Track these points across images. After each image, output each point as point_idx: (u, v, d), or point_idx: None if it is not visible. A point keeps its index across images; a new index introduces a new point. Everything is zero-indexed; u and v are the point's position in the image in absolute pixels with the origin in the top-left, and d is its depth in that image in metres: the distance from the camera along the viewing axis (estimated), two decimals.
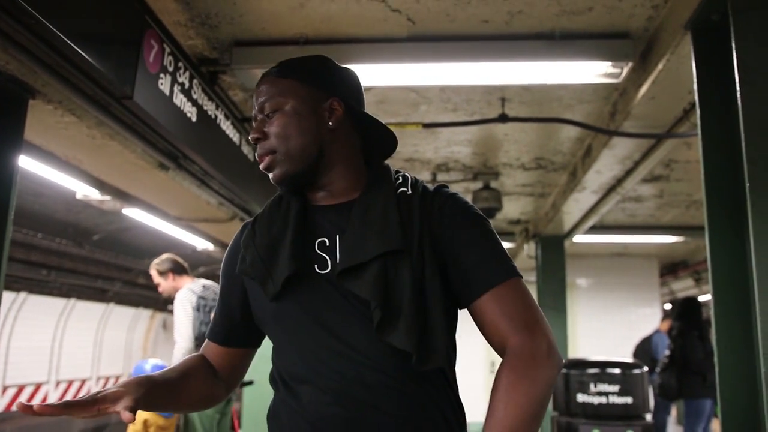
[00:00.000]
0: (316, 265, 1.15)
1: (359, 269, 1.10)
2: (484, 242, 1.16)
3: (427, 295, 1.11)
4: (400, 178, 1.23)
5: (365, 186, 1.20)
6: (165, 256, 4.74)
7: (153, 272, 4.73)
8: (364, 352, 1.09)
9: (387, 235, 1.11)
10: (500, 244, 1.19)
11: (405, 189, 1.20)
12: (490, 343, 1.15)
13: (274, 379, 1.20)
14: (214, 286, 4.77)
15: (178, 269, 4.69)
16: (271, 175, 1.21)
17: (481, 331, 1.15)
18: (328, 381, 1.09)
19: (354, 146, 1.26)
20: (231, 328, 1.30)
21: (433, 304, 1.11)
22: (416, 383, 1.10)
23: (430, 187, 1.23)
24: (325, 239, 1.17)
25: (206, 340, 1.34)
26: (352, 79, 1.30)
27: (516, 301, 1.12)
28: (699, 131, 2.36)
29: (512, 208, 6.77)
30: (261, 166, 1.21)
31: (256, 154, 1.22)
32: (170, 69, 2.80)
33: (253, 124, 1.22)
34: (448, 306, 1.15)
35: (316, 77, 1.22)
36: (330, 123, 1.21)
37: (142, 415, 4.37)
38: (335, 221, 1.18)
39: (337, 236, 1.16)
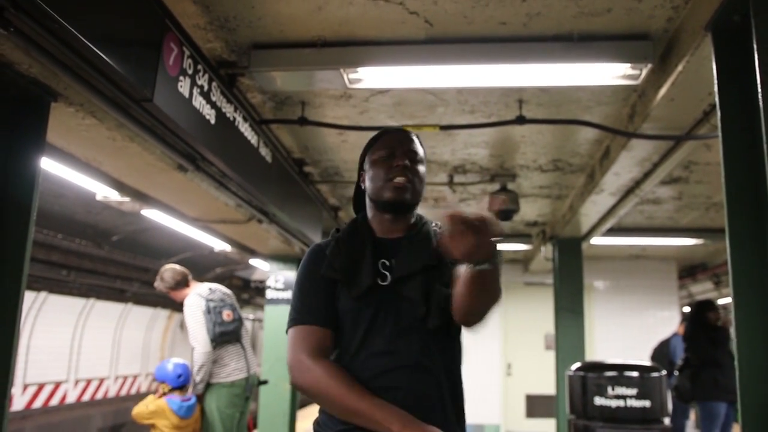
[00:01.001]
0: (379, 279, 1.68)
1: (408, 279, 1.66)
2: None
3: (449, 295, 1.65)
4: (433, 223, 1.82)
5: (413, 226, 1.78)
6: (167, 273, 4.77)
7: (162, 289, 4.78)
8: (414, 333, 1.63)
9: (427, 254, 1.68)
10: None
11: (437, 228, 1.78)
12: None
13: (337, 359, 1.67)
14: (220, 288, 4.81)
15: (183, 281, 4.74)
16: (400, 197, 1.71)
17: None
18: (394, 354, 1.62)
19: None
20: (327, 313, 1.67)
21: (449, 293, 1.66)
22: (446, 363, 1.68)
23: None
24: (386, 261, 1.70)
25: (304, 326, 1.65)
26: None
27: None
28: (719, 133, 2.34)
29: (529, 210, 6.74)
30: (397, 183, 1.70)
31: (398, 179, 1.71)
32: (189, 72, 2.82)
33: (394, 157, 1.74)
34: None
35: (425, 155, 1.85)
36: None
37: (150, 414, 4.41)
38: (392, 249, 1.72)
39: (393, 260, 1.70)
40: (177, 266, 4.87)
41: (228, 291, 4.86)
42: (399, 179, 1.70)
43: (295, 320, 1.68)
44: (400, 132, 1.82)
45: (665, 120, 3.42)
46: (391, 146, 1.75)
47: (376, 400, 1.51)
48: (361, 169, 1.85)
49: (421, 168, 1.77)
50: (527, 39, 3.04)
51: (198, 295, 4.59)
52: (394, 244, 1.73)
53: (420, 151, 1.79)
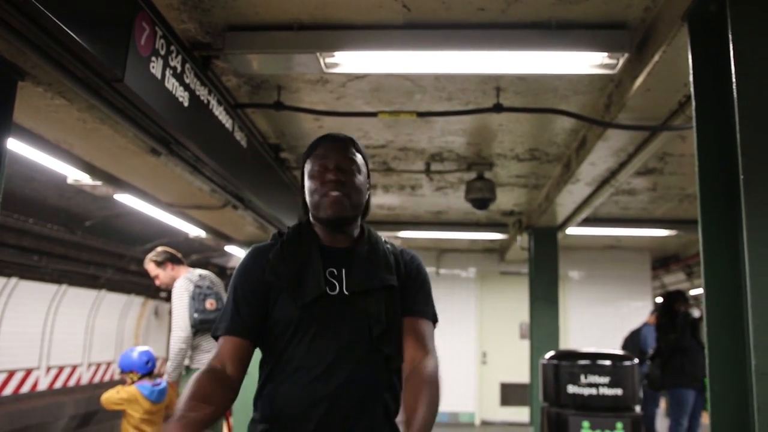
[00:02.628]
0: (327, 288, 1.62)
1: (367, 294, 1.63)
2: (427, 291, 1.76)
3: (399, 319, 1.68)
4: (382, 238, 1.79)
5: (359, 237, 1.74)
6: (160, 248, 4.80)
7: (150, 265, 4.75)
8: (360, 352, 1.59)
9: (388, 273, 1.68)
10: (431, 294, 1.77)
11: (389, 247, 1.77)
12: (405, 348, 1.65)
13: (273, 369, 1.62)
14: (211, 276, 4.77)
15: (175, 259, 4.72)
16: (336, 214, 1.65)
17: (404, 337, 1.67)
18: (334, 371, 1.56)
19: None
20: (250, 324, 1.62)
21: (400, 326, 1.67)
22: (389, 373, 1.65)
23: (393, 245, 1.81)
24: (334, 270, 1.65)
25: (221, 337, 1.61)
26: None
27: (429, 334, 1.69)
28: (694, 124, 2.35)
29: (506, 199, 6.76)
30: (332, 199, 1.64)
31: (330, 191, 1.64)
32: (162, 52, 2.77)
33: (326, 168, 1.67)
34: None
35: (367, 161, 1.80)
36: (367, 195, 1.76)
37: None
38: (341, 259, 1.67)
39: (343, 269, 1.65)
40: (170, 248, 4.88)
41: (217, 280, 4.82)
42: (333, 195, 1.64)
43: (224, 329, 1.62)
44: (336, 141, 1.74)
45: (641, 110, 3.44)
46: (325, 158, 1.69)
47: (181, 416, 1.37)
48: (302, 179, 1.77)
49: (358, 178, 1.69)
50: (505, 26, 3.03)
51: (188, 279, 4.56)
52: (342, 254, 1.69)
53: (358, 158, 1.72)
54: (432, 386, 1.53)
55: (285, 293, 1.61)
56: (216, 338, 1.63)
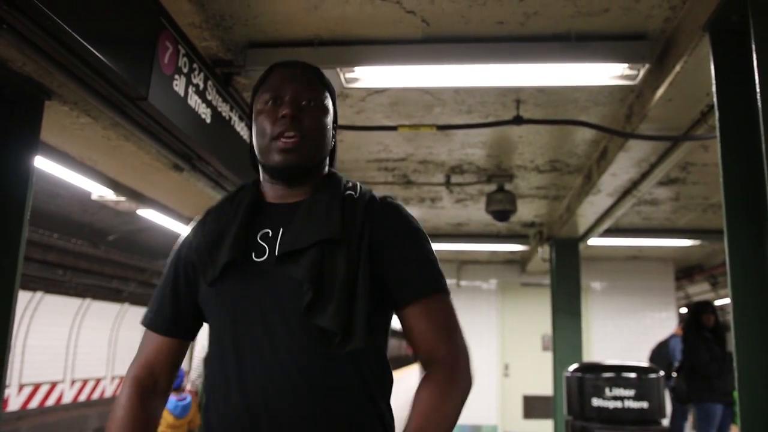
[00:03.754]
0: (253, 254, 1.24)
1: (298, 255, 1.20)
2: (419, 252, 1.29)
3: (357, 285, 1.19)
4: (350, 183, 1.36)
5: (314, 188, 1.32)
6: None
7: None
8: (293, 332, 1.18)
9: (326, 226, 1.22)
10: (435, 257, 1.30)
11: (353, 193, 1.32)
12: (414, 350, 1.26)
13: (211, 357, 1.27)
14: None
15: None
16: (287, 157, 1.26)
17: (406, 336, 1.27)
18: (260, 359, 1.18)
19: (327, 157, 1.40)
20: (176, 316, 1.32)
21: (361, 294, 1.19)
22: (338, 362, 1.18)
23: (363, 190, 1.36)
24: (269, 230, 1.26)
25: (149, 332, 1.34)
26: None
27: (442, 316, 1.26)
28: (718, 134, 2.33)
29: (526, 211, 6.73)
30: (283, 143, 1.26)
31: (277, 129, 1.27)
32: (185, 70, 2.81)
33: (279, 102, 1.29)
34: (382, 299, 1.25)
35: (334, 97, 1.40)
36: (333, 139, 1.39)
37: None
38: (283, 216, 1.28)
39: (281, 228, 1.25)
40: None
41: None
42: (286, 136, 1.26)
43: (144, 319, 1.35)
44: (293, 67, 1.35)
45: (663, 120, 3.41)
46: (278, 89, 1.30)
47: None
48: (250, 119, 1.38)
49: (321, 117, 1.31)
50: (525, 39, 3.03)
51: None
52: (285, 211, 1.29)
53: (321, 91, 1.34)
54: (449, 385, 1.19)
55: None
56: (143, 325, 1.36)
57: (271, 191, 1.33)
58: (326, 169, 1.38)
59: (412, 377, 10.10)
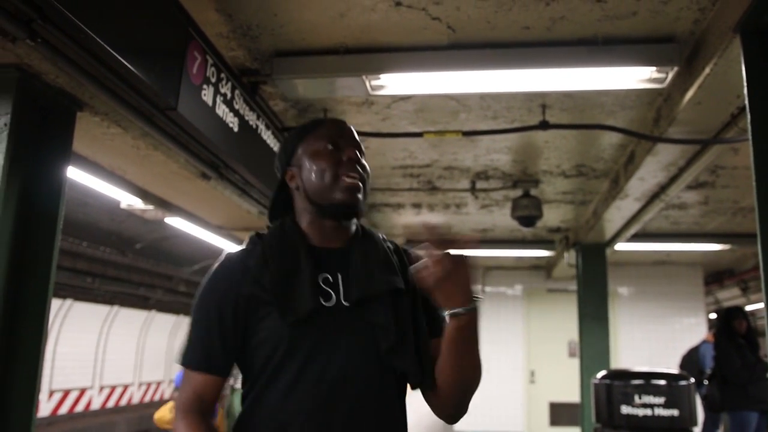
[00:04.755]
0: (321, 299, 1.33)
1: (371, 301, 1.33)
2: None
3: (419, 328, 1.37)
4: (381, 235, 1.50)
5: (355, 236, 1.45)
6: None
7: None
8: (369, 373, 1.32)
9: (393, 274, 1.38)
10: None
11: (389, 245, 1.47)
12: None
13: (259, 397, 1.32)
14: None
15: None
16: (353, 195, 1.38)
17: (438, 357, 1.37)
18: (336, 399, 1.29)
19: None
20: (228, 356, 1.35)
21: (423, 335, 1.38)
22: (399, 397, 1.38)
23: (395, 243, 1.52)
24: (329, 276, 1.36)
25: (197, 373, 1.33)
26: None
27: None
28: (750, 136, 2.29)
29: (552, 216, 6.69)
30: (351, 182, 1.38)
31: (350, 176, 1.39)
32: (213, 80, 2.84)
33: (341, 149, 1.42)
34: None
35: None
36: None
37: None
38: (337, 262, 1.39)
39: (339, 275, 1.37)
40: None
41: None
42: (352, 178, 1.38)
43: (190, 361, 1.34)
44: (341, 122, 1.50)
45: (692, 124, 3.37)
46: (334, 136, 1.43)
47: None
48: (287, 164, 1.47)
49: (365, 162, 1.46)
50: (551, 43, 3.01)
51: None
52: (336, 257, 1.39)
53: (360, 142, 1.48)
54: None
55: (271, 308, 1.31)
56: (184, 366, 1.35)
57: (317, 234, 1.42)
58: None
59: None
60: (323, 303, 1.32)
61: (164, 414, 4.49)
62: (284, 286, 1.31)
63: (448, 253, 1.20)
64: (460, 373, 1.31)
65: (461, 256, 1.21)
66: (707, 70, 2.76)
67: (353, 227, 1.45)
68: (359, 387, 1.30)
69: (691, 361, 7.21)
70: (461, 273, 1.22)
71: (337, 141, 1.42)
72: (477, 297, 1.25)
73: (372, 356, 1.31)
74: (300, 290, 1.30)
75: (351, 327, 1.32)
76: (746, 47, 2.36)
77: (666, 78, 3.11)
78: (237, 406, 4.85)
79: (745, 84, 2.34)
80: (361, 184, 1.39)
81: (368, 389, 1.30)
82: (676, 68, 3.00)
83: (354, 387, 1.29)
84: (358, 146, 1.44)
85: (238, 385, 4.79)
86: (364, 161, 1.44)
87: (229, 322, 1.32)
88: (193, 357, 1.34)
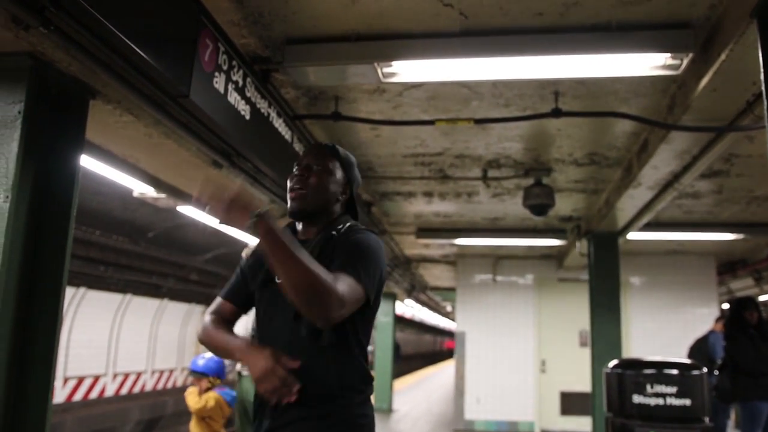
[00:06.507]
0: (276, 276, 1.73)
1: None
2: (351, 255, 1.75)
3: None
4: (342, 227, 1.89)
5: (323, 229, 1.90)
6: None
7: None
8: (291, 328, 1.78)
9: (314, 256, 1.74)
10: (365, 260, 1.75)
11: (335, 233, 1.86)
12: None
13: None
14: None
15: None
16: (292, 204, 1.91)
17: None
18: (273, 340, 1.81)
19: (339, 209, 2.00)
20: (244, 295, 1.99)
21: None
22: (320, 351, 1.77)
23: (352, 228, 1.91)
24: None
25: (219, 299, 2.02)
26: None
27: (341, 277, 1.69)
28: (766, 124, 2.27)
29: (564, 205, 6.65)
30: (292, 194, 1.91)
31: (293, 186, 1.91)
32: (224, 68, 2.84)
33: (296, 167, 1.95)
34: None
35: (346, 165, 2.01)
36: (343, 195, 1.99)
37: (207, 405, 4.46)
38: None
39: None
40: None
41: None
42: (294, 189, 1.89)
43: (222, 294, 2.02)
44: (315, 147, 2.02)
45: (706, 111, 3.34)
46: (299, 161, 1.95)
47: (230, 337, 1.86)
48: None
49: (320, 178, 1.90)
50: (564, 30, 2.99)
51: None
52: (304, 244, 1.78)
53: (327, 162, 1.94)
54: (326, 278, 1.58)
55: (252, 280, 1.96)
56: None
57: (301, 229, 1.95)
58: (336, 214, 1.95)
59: (447, 371, 10.07)
60: (277, 279, 1.70)
61: (204, 405, 4.42)
62: (258, 265, 1.90)
63: (218, 199, 1.60)
64: (285, 278, 1.57)
65: (226, 195, 1.59)
66: (723, 56, 2.73)
67: (322, 224, 1.91)
68: (284, 339, 1.79)
69: (699, 351, 7.19)
70: (232, 207, 1.59)
71: (300, 162, 1.94)
72: (257, 212, 1.57)
73: (289, 324, 1.77)
74: (263, 269, 1.86)
75: (282, 298, 1.66)
76: (763, 33, 2.32)
77: (681, 64, 3.07)
78: (246, 389, 4.89)
79: (761, 70, 2.30)
80: (301, 192, 1.88)
81: (290, 341, 1.77)
82: (691, 54, 2.97)
83: (280, 339, 1.79)
84: (310, 164, 1.92)
85: (246, 372, 4.83)
86: (312, 177, 1.90)
87: (241, 275, 2.02)
88: (222, 293, 2.03)
